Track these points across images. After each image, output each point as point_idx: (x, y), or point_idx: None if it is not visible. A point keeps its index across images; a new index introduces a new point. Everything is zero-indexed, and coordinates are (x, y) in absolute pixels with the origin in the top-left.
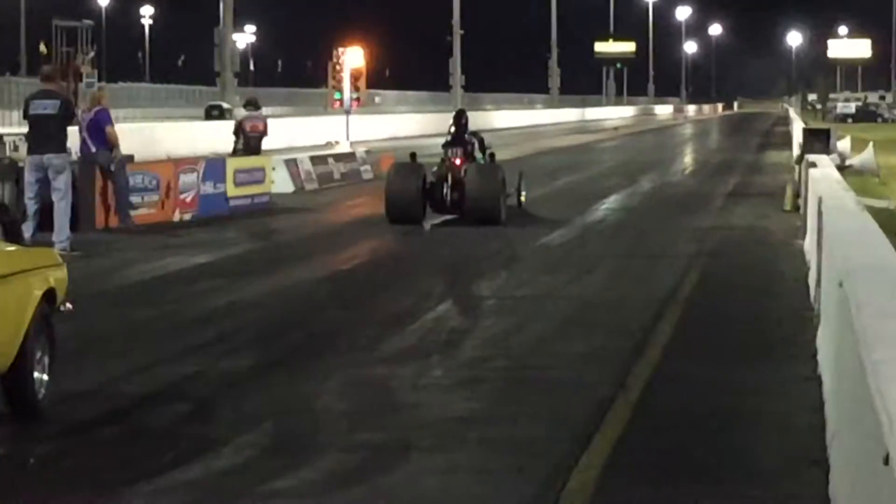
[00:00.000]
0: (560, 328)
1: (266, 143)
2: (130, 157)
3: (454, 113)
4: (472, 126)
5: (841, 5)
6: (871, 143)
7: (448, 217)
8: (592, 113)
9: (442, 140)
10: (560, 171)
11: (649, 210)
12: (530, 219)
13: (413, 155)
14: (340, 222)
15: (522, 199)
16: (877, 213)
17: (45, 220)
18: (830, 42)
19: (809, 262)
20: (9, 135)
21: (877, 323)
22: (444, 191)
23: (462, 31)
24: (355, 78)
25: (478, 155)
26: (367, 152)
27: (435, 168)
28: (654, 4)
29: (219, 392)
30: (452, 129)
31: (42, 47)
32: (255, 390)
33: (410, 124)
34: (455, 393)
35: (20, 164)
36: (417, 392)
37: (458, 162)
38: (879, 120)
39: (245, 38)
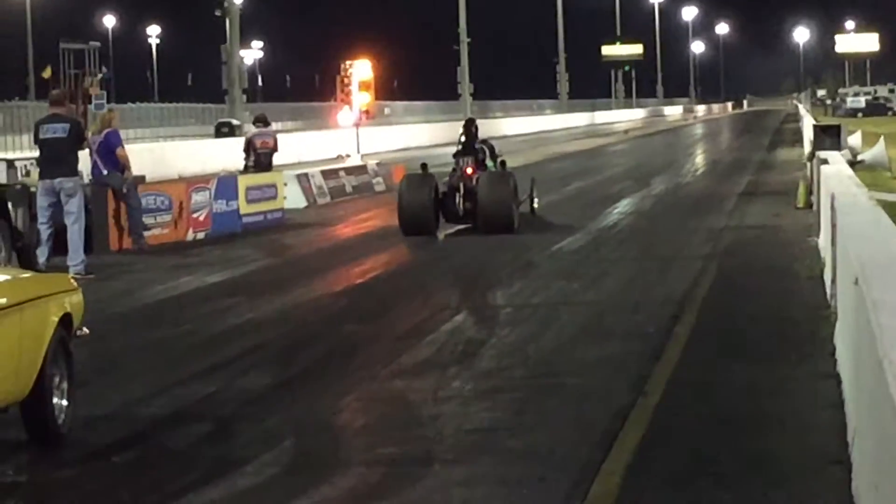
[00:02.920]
0: (577, 335)
1: (277, 159)
2: (142, 178)
3: (464, 122)
4: (481, 134)
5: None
6: (881, 138)
7: (461, 226)
8: (602, 116)
9: (452, 149)
10: (571, 177)
11: (662, 212)
12: (543, 225)
13: (424, 166)
14: (354, 236)
15: (535, 205)
16: (890, 208)
17: (58, 244)
18: (838, 37)
19: (824, 260)
20: (20, 159)
21: (894, 321)
22: (457, 200)
23: (469, 40)
24: (364, 90)
25: (489, 163)
26: (379, 164)
27: (446, 178)
28: (659, 5)
29: (238, 411)
30: (462, 138)
31: (47, 71)
32: (274, 408)
33: (420, 134)
34: (474, 404)
35: (32, 190)
36: (437, 404)
37: (469, 171)
38: (890, 113)
39: (252, 54)
